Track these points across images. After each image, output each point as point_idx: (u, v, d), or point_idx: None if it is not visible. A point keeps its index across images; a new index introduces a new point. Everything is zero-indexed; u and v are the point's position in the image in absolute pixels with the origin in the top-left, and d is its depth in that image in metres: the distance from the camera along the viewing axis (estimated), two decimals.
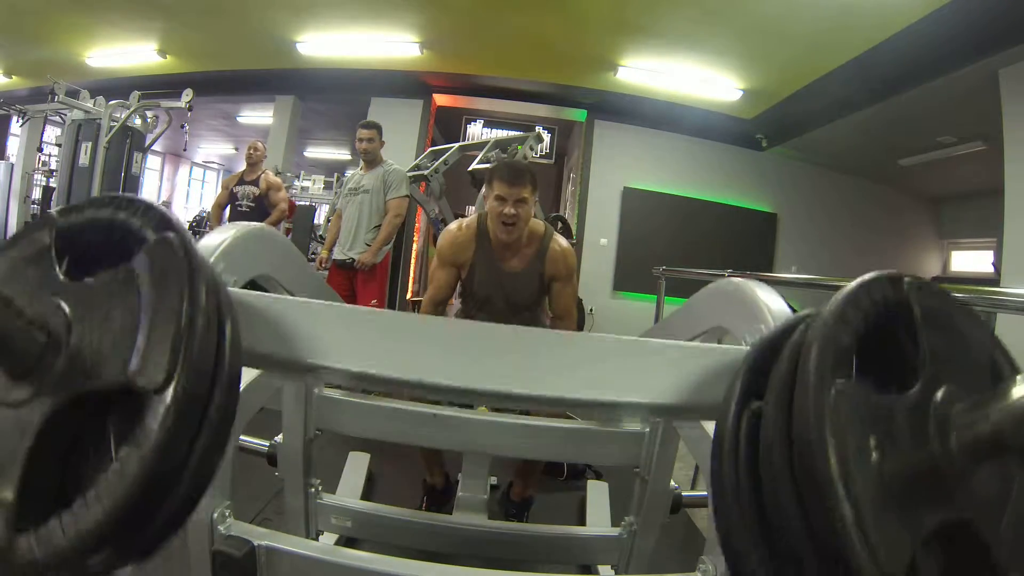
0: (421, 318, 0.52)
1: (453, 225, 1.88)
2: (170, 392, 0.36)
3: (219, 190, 4.40)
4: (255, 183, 3.85)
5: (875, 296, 0.41)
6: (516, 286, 1.79)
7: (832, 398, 0.36)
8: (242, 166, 4.15)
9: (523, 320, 1.86)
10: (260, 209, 3.83)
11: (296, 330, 0.50)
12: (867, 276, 0.42)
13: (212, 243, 0.56)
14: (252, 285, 0.63)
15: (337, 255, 3.27)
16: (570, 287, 1.84)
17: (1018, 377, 0.35)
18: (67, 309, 0.40)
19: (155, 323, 0.39)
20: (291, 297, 0.55)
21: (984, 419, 0.34)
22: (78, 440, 0.40)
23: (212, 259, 0.53)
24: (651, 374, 0.51)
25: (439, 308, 1.86)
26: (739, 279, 0.67)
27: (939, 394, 0.38)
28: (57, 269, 0.43)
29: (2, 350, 0.36)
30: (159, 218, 0.44)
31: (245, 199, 3.81)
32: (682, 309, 0.89)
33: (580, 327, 1.94)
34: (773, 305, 0.59)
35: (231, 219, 3.80)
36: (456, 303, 2.05)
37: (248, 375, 0.77)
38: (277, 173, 5.65)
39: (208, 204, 14.74)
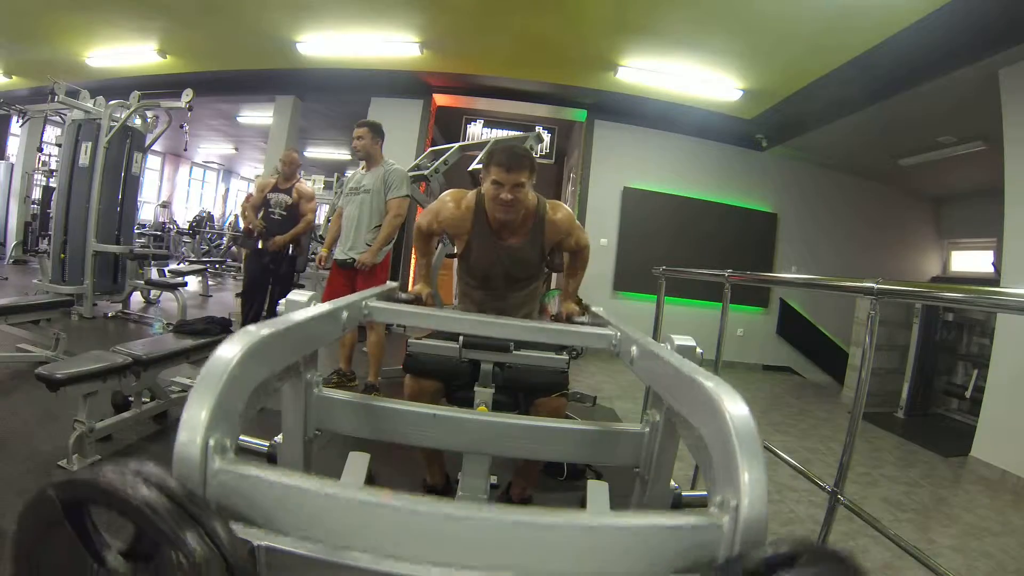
0: (421, 501, 0.55)
1: (451, 194, 1.86)
2: None
3: (252, 191, 4.47)
4: (288, 192, 3.95)
5: None
6: (516, 259, 1.80)
7: None
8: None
9: (520, 292, 1.88)
10: (292, 218, 3.94)
11: (296, 512, 0.54)
12: None
13: (198, 415, 0.56)
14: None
15: (338, 255, 3.27)
16: (572, 239, 1.86)
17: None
18: None
19: None
20: (289, 480, 0.57)
21: None
22: None
23: (199, 437, 0.54)
24: (612, 557, 0.54)
25: (431, 237, 1.91)
26: (701, 375, 0.69)
27: None
28: (86, 554, 0.49)
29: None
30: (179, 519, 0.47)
31: (278, 207, 3.91)
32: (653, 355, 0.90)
33: (580, 301, 1.94)
34: (737, 417, 0.60)
35: (264, 222, 3.92)
36: (454, 290, 2.07)
37: (248, 376, 0.77)
38: (277, 173, 5.66)
39: (208, 204, 14.76)
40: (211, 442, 0.54)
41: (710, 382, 0.68)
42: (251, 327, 0.71)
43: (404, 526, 0.53)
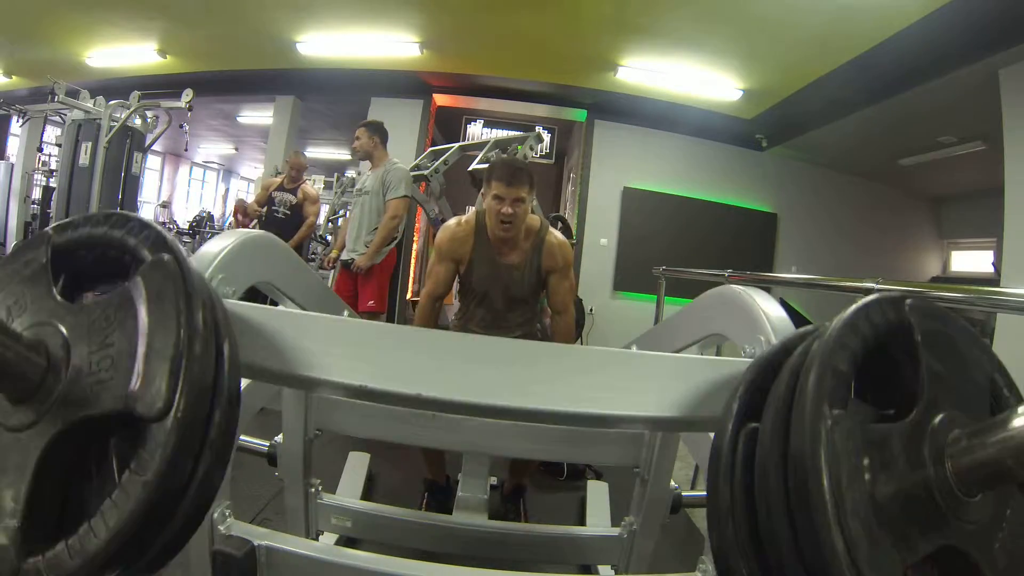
0: (416, 331, 0.51)
1: (452, 221, 1.90)
2: (170, 419, 0.36)
3: (257, 189, 4.51)
4: (293, 192, 3.99)
5: (875, 319, 0.41)
6: (514, 279, 1.82)
7: (828, 425, 0.36)
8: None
9: (520, 314, 1.90)
10: (296, 217, 3.98)
11: (293, 343, 0.50)
12: (868, 299, 0.42)
13: (210, 252, 0.56)
14: (252, 291, 0.63)
15: (344, 256, 3.28)
16: (567, 281, 1.87)
17: (1020, 408, 0.35)
18: (65, 332, 0.40)
19: (153, 348, 0.38)
20: (287, 310, 0.55)
21: (982, 448, 0.34)
22: (80, 463, 0.40)
23: (210, 269, 0.53)
24: (650, 387, 0.51)
25: (437, 304, 1.88)
26: (739, 287, 0.67)
27: (937, 420, 0.38)
28: (54, 290, 0.43)
29: (2, 375, 0.36)
30: (155, 237, 0.44)
31: (282, 206, 3.96)
32: (682, 313, 0.88)
33: (580, 326, 1.95)
34: (773, 314, 0.59)
35: (266, 222, 3.95)
36: (455, 304, 2.06)
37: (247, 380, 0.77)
38: (277, 173, 5.67)
39: (208, 204, 14.76)
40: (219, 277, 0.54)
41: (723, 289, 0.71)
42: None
43: (433, 358, 0.51)
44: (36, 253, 0.44)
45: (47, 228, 0.47)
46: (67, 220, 0.47)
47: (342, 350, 0.50)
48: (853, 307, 0.41)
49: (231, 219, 9.09)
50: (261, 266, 0.67)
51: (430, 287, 1.86)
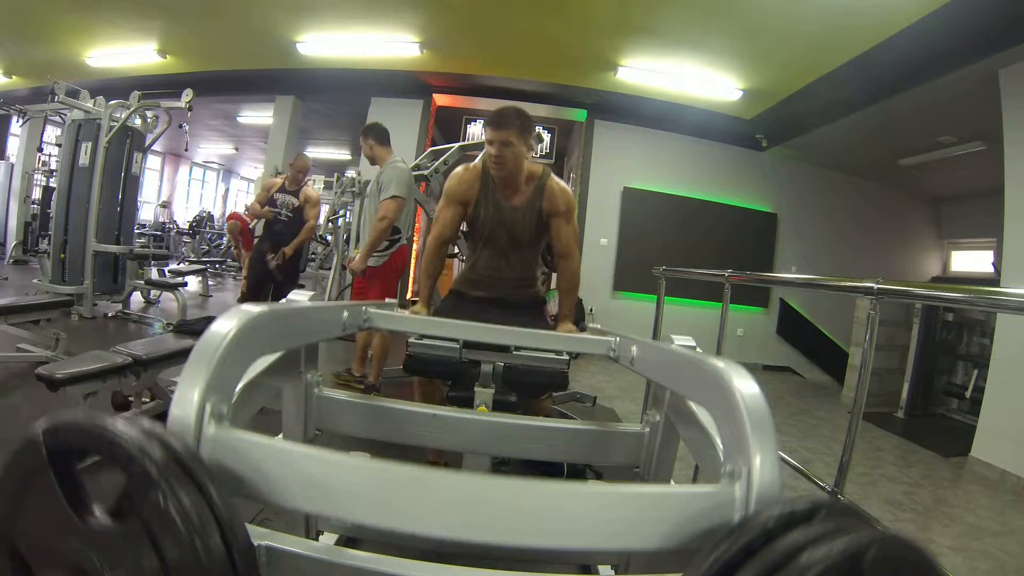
0: (407, 468, 0.54)
1: (460, 168, 2.00)
2: None
3: (257, 189, 4.48)
4: (296, 194, 3.97)
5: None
6: (517, 220, 1.90)
7: None
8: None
9: (521, 258, 1.98)
10: (297, 219, 3.96)
11: (293, 477, 0.53)
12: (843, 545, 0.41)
13: (198, 379, 0.55)
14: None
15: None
16: (570, 226, 1.95)
17: None
18: (97, 562, 0.43)
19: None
20: (286, 445, 0.56)
21: None
22: None
23: (195, 402, 0.53)
24: (625, 526, 0.53)
25: (443, 248, 1.98)
26: (722, 364, 0.66)
27: None
28: (67, 507, 0.45)
29: None
30: (164, 457, 0.45)
31: (284, 208, 3.94)
32: (667, 356, 0.88)
33: (579, 327, 1.95)
34: (746, 391, 0.59)
35: (268, 224, 3.95)
36: (456, 267, 2.11)
37: (247, 376, 0.77)
38: (277, 173, 5.67)
39: (208, 204, 14.75)
40: (207, 407, 0.53)
41: (719, 362, 0.68)
42: (249, 305, 0.71)
43: (410, 492, 0.52)
44: (37, 464, 0.46)
45: (38, 431, 0.47)
46: (59, 423, 0.48)
47: (338, 486, 0.53)
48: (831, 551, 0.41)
49: (228, 237, 8.90)
50: (256, 351, 0.67)
51: (437, 231, 1.94)
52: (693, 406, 0.85)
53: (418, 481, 0.52)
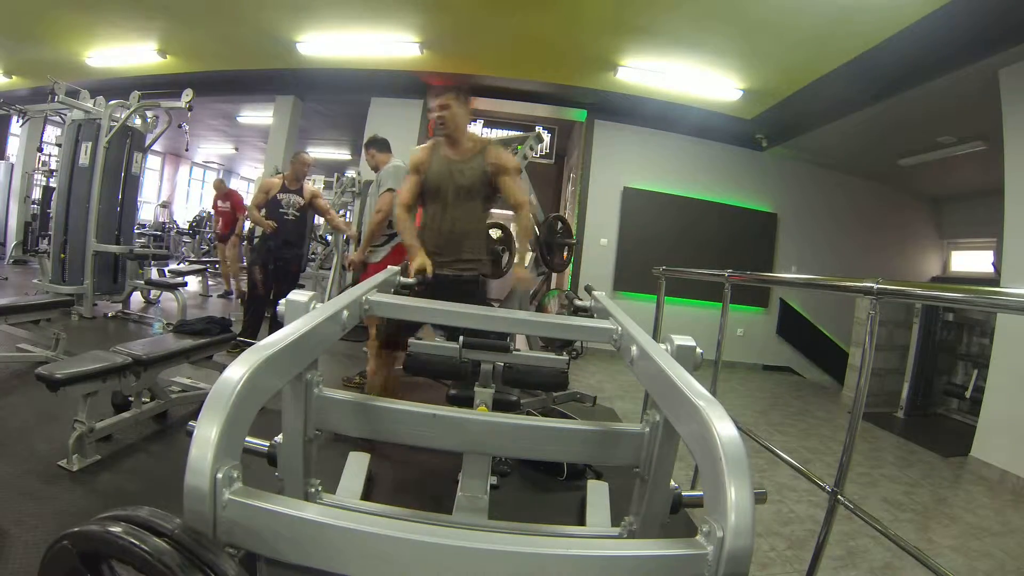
0: (410, 527, 0.57)
1: (416, 148, 2.38)
2: None
3: (255, 191, 4.47)
4: (299, 192, 3.94)
5: None
6: (462, 171, 2.22)
7: None
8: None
9: (469, 212, 2.24)
10: (304, 218, 3.97)
11: (304, 537, 0.57)
12: None
13: (205, 459, 0.56)
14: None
15: None
16: (517, 182, 2.29)
17: None
18: None
19: None
20: (295, 508, 0.58)
21: None
22: None
23: (209, 468, 0.55)
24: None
25: (408, 211, 2.25)
26: (706, 413, 0.66)
27: None
28: None
29: None
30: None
31: (291, 208, 3.89)
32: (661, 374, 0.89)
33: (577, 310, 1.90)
34: (725, 436, 0.60)
35: (276, 225, 3.88)
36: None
37: (252, 401, 0.77)
38: (276, 173, 5.66)
39: (208, 204, 14.73)
40: (219, 475, 0.56)
41: (701, 400, 0.68)
42: (254, 347, 0.71)
43: (411, 556, 0.55)
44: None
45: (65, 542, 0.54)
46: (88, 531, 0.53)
47: (340, 541, 0.56)
48: None
49: (211, 211, 8.77)
50: (262, 396, 0.68)
51: (401, 197, 2.29)
52: None
53: (405, 542, 0.55)
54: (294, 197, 3.91)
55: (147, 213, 12.01)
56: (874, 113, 4.90)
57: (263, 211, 3.91)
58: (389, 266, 1.93)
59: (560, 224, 3.96)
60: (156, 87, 5.33)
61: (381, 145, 3.41)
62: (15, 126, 7.54)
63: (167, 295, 5.43)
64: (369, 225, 3.12)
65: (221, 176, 15.21)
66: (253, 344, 0.73)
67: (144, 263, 5.31)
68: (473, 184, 2.22)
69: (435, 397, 2.13)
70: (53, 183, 6.71)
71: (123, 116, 4.54)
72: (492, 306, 2.50)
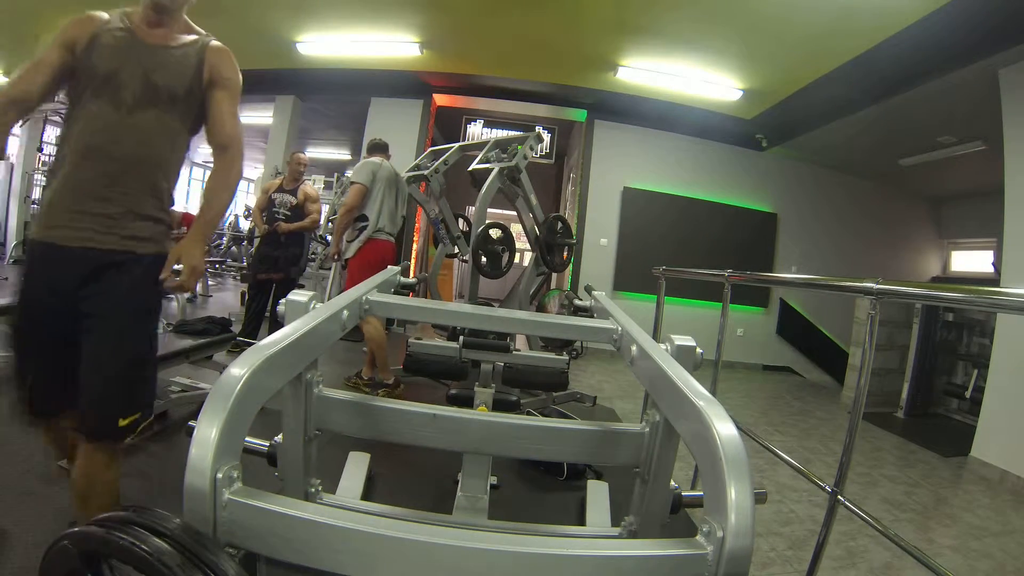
0: (406, 527, 0.58)
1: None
2: None
3: (257, 193, 4.50)
4: (293, 193, 3.99)
5: None
6: (162, 62, 1.36)
7: None
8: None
9: (155, 128, 1.36)
10: (296, 218, 3.98)
11: (303, 535, 0.57)
12: None
13: (205, 458, 0.56)
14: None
15: None
16: (233, 106, 1.46)
17: None
18: None
19: None
20: (294, 507, 0.59)
21: None
22: None
23: (208, 470, 0.56)
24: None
25: (16, 107, 1.34)
26: (706, 412, 0.66)
27: None
28: None
29: None
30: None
31: (283, 207, 3.95)
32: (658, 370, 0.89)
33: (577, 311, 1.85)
34: (725, 436, 0.60)
35: (268, 224, 3.98)
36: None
37: (251, 403, 0.77)
38: (277, 174, 5.67)
39: None
40: (219, 475, 0.56)
41: (701, 400, 0.68)
42: (254, 347, 0.71)
43: (411, 556, 0.55)
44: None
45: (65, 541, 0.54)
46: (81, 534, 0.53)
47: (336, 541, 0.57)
48: None
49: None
50: (262, 396, 0.68)
51: (13, 79, 1.34)
52: None
53: (407, 543, 0.56)
54: (287, 197, 3.97)
55: None
56: (874, 113, 4.90)
57: (264, 213, 3.98)
58: (389, 267, 1.93)
59: (560, 224, 3.95)
60: None
61: (371, 148, 3.52)
62: (15, 126, 7.54)
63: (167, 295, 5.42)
64: (338, 218, 3.25)
65: None
66: (253, 344, 0.73)
67: None
68: (175, 86, 1.37)
69: (435, 397, 2.13)
70: None
71: None
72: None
